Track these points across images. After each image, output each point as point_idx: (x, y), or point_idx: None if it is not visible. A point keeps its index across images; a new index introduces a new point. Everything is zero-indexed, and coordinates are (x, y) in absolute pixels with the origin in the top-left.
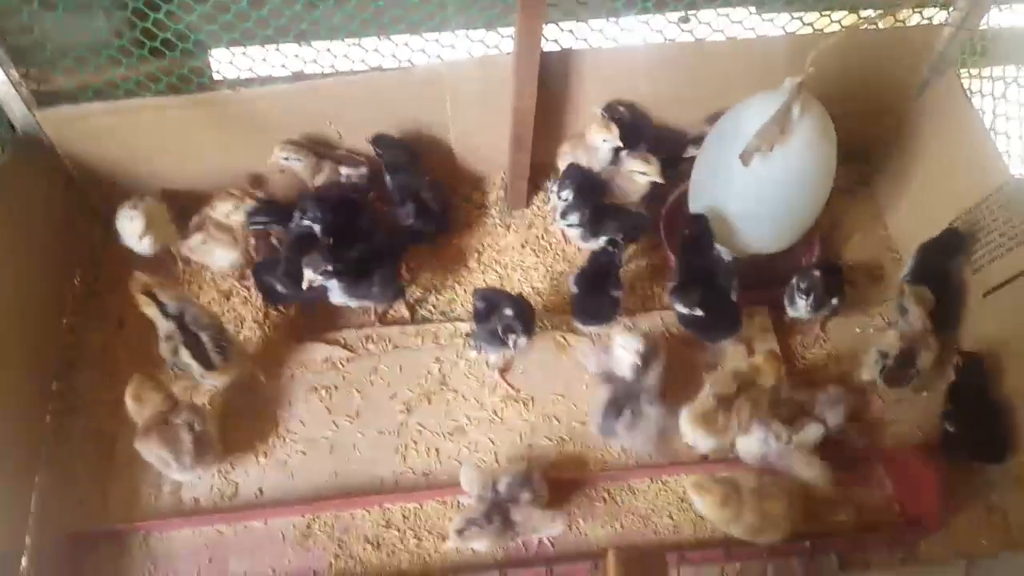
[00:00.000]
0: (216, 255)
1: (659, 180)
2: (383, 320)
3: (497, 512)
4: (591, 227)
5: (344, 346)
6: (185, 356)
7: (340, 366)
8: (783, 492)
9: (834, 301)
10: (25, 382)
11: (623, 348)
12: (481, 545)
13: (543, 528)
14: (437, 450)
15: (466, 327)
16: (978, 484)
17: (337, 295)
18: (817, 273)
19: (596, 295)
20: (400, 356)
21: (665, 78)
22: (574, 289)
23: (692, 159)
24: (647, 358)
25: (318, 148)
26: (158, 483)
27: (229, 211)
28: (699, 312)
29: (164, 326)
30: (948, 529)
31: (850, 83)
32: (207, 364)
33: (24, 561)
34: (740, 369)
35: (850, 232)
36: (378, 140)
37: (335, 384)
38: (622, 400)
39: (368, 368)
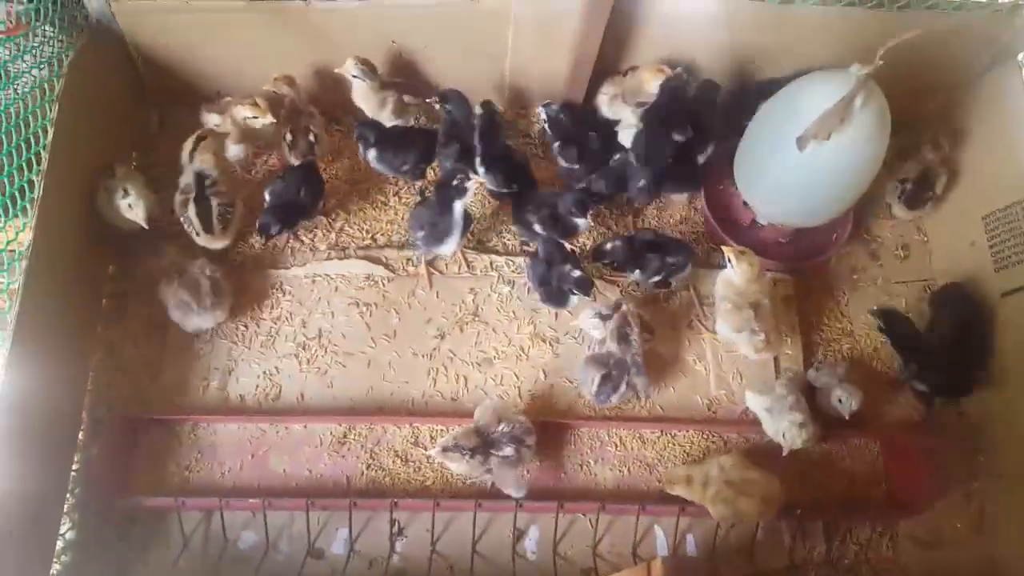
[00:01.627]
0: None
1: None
2: None
3: (482, 452)
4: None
5: (386, 265)
6: (191, 211)
7: (381, 285)
8: (757, 491)
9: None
10: (84, 262)
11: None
12: (456, 468)
13: (506, 487)
14: (465, 378)
15: (502, 260)
16: (961, 473)
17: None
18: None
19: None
20: (437, 282)
21: (728, 36)
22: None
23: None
24: (623, 330)
25: (384, 76)
26: (206, 376)
27: (246, 116)
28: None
29: (184, 178)
30: (928, 510)
31: (909, 59)
32: (207, 227)
33: (81, 436)
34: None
35: (883, 209)
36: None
37: (375, 302)
38: (616, 375)
39: (407, 290)
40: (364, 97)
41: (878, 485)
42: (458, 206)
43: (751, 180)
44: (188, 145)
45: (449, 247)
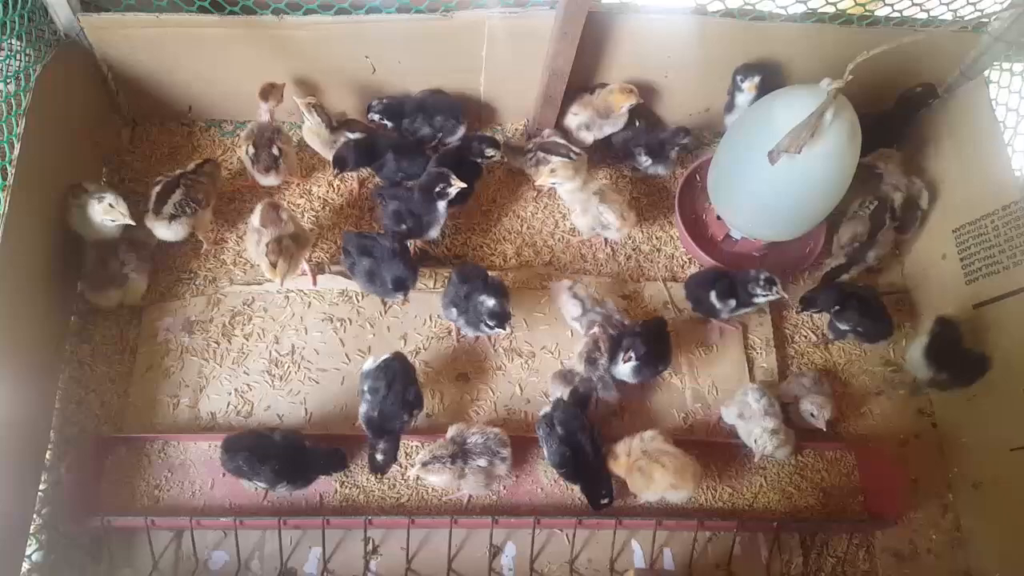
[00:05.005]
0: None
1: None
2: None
3: (461, 458)
4: None
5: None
6: (153, 191)
7: (355, 300)
8: (671, 463)
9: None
10: (52, 278)
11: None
12: (437, 481)
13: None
14: (441, 393)
15: None
16: (937, 484)
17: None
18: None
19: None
20: (412, 296)
21: (699, 52)
22: None
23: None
24: (592, 355)
25: (333, 118)
26: (176, 393)
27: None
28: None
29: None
30: (904, 522)
31: (877, 76)
32: (156, 208)
33: (48, 455)
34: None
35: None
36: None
37: (349, 317)
38: (583, 391)
39: (381, 305)
40: (313, 136)
41: (854, 497)
42: (441, 205)
43: (723, 195)
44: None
45: (434, 233)
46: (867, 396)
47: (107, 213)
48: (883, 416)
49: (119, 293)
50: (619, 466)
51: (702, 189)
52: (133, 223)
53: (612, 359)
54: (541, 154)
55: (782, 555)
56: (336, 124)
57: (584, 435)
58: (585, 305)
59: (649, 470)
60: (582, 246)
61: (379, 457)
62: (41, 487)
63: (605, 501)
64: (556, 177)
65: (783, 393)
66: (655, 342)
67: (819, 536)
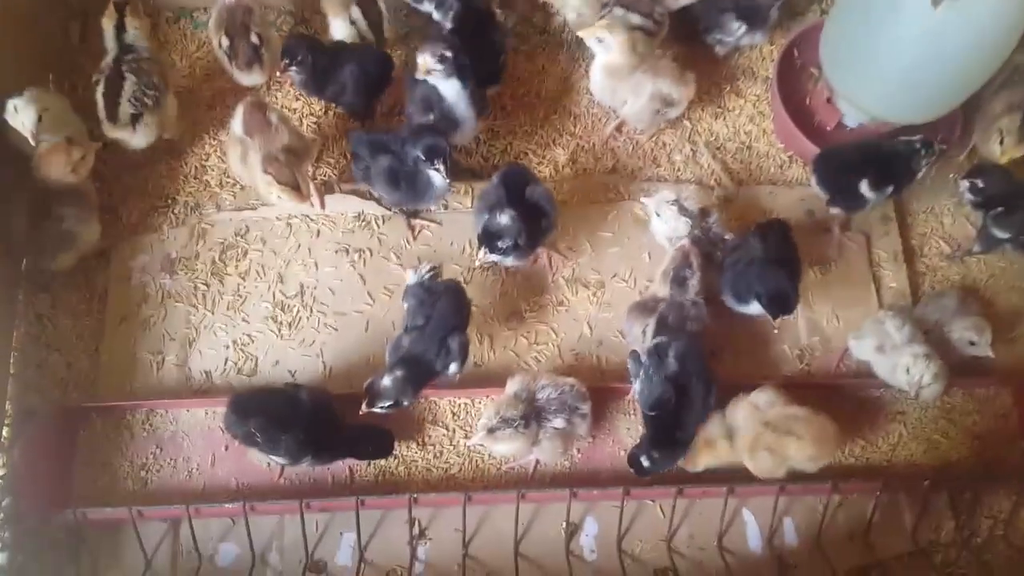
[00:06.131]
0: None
1: None
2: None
3: (535, 420)
4: None
5: (379, 201)
6: (99, 91)
7: (375, 225)
8: (807, 431)
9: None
10: None
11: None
12: (505, 449)
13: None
14: (491, 337)
15: None
16: None
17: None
18: None
19: None
20: (445, 218)
21: None
22: None
23: None
24: (681, 272)
25: None
26: (160, 349)
27: None
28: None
29: (108, 56)
30: None
31: None
32: (110, 113)
33: (5, 432)
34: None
35: None
36: None
37: (369, 247)
38: (673, 321)
39: (408, 231)
40: None
41: (1013, 444)
42: (447, 87)
43: (847, 61)
44: (110, 19)
45: (468, 128)
46: (1018, 317)
47: (11, 119)
48: None
49: (70, 255)
50: (720, 454)
51: (803, 68)
52: (33, 132)
53: (723, 288)
54: (619, 10)
55: (928, 519)
56: None
57: (699, 378)
58: (695, 221)
59: (781, 446)
60: (653, 146)
61: (385, 381)
62: None
63: (647, 465)
64: (608, 34)
65: (919, 319)
66: (782, 253)
67: (973, 494)
